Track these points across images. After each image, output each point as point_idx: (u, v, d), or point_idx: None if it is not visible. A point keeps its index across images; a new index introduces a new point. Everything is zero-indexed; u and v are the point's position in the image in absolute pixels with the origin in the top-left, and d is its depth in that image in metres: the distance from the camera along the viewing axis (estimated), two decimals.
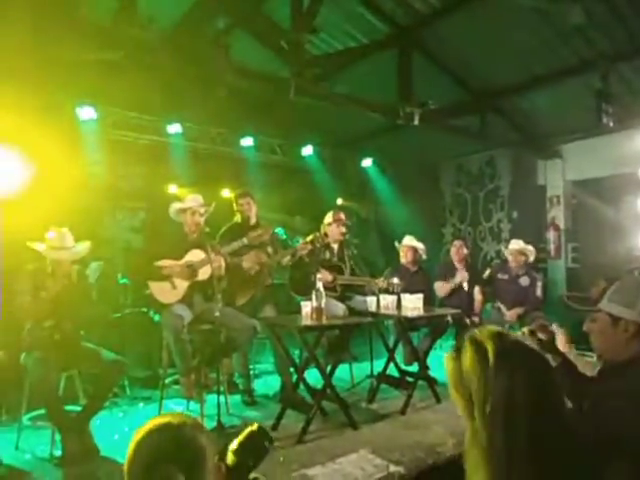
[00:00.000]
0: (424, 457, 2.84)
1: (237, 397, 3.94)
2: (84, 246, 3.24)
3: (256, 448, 1.27)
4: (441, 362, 4.19)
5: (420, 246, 4.77)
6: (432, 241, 5.12)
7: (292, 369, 3.86)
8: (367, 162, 6.86)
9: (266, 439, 1.29)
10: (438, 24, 4.62)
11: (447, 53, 5.07)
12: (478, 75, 5.34)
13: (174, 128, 5.38)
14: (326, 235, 4.30)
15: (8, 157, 4.14)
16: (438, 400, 3.78)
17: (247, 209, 4.12)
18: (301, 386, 3.59)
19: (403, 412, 3.57)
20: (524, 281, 4.75)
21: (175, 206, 3.64)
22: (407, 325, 3.95)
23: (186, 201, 3.66)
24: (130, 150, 5.29)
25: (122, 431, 3.27)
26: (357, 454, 2.87)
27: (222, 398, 3.39)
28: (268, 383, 4.37)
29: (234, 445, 1.26)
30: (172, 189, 5.65)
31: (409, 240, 4.81)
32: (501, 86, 5.42)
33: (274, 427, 3.28)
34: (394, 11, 4.65)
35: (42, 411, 3.12)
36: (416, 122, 4.76)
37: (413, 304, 3.83)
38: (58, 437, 2.89)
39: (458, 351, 1.16)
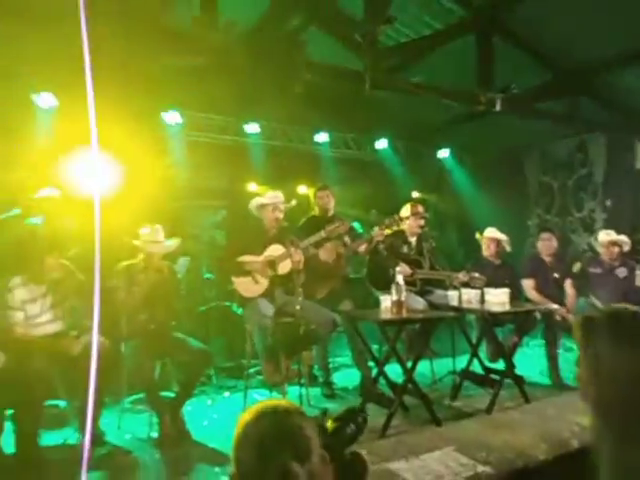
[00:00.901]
0: (513, 459, 2.70)
1: (317, 389, 4.00)
2: (174, 241, 3.45)
3: (354, 421, 1.28)
4: (529, 360, 3.97)
5: (504, 238, 4.53)
6: (516, 233, 4.83)
7: (371, 363, 3.85)
8: (444, 153, 6.65)
9: (363, 416, 1.30)
10: (519, 1, 4.35)
11: (530, 32, 4.76)
12: (567, 53, 4.96)
13: (252, 128, 5.55)
14: (399, 221, 4.18)
15: (104, 162, 4.49)
16: (527, 400, 3.58)
17: (326, 202, 4.15)
18: (381, 380, 3.56)
19: (489, 411, 3.43)
20: (621, 272, 4.36)
21: (257, 201, 3.75)
22: (492, 320, 3.78)
23: (267, 197, 3.75)
24: (212, 151, 5.53)
25: (211, 418, 3.44)
26: (441, 451, 2.79)
27: (303, 390, 3.46)
28: (347, 376, 4.39)
29: (334, 416, 1.28)
30: (251, 187, 5.84)
31: (491, 232, 4.58)
32: (595, 63, 4.98)
33: None
34: None
35: (140, 395, 3.37)
36: (498, 108, 4.53)
37: (498, 299, 3.66)
38: (155, 420, 3.10)
39: None
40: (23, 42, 3.82)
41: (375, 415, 3.28)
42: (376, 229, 3.93)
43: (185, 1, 3.81)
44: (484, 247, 4.56)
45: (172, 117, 5.06)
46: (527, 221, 7.16)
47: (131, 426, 3.27)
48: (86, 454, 2.60)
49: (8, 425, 2.77)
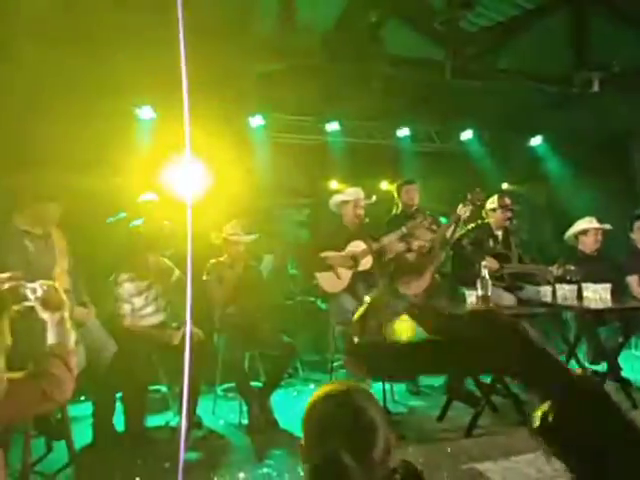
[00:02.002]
0: None
1: (402, 386, 3.97)
2: (252, 236, 3.62)
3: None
4: (635, 362, 3.64)
5: (607, 227, 4.13)
6: (618, 227, 4.39)
7: None
8: (536, 141, 6.25)
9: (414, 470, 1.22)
10: None
11: (635, 2, 4.32)
12: None
13: (332, 126, 5.63)
14: (482, 199, 4.01)
15: (196, 167, 4.82)
16: (634, 405, 3.28)
17: (411, 197, 4.08)
18: (468, 379, 3.45)
19: None
20: None
21: (337, 198, 3.81)
22: (592, 319, 3.49)
23: (347, 194, 3.80)
24: (294, 151, 5.69)
25: (297, 408, 3.55)
26: (534, 454, 2.65)
27: (387, 385, 3.45)
28: None
29: None
30: (333, 185, 5.92)
31: (589, 222, 4.19)
32: None
33: (440, 418, 3.23)
34: None
35: (232, 384, 3.58)
36: (595, 89, 4.19)
37: (598, 295, 3.38)
38: (244, 408, 3.28)
39: None
40: (127, 61, 4.21)
41: (461, 413, 3.21)
42: (460, 206, 3.82)
43: (265, 8, 3.97)
44: (584, 239, 4.18)
45: (256, 120, 5.28)
46: (633, 212, 6.48)
47: (224, 412, 3.49)
48: (184, 436, 2.84)
49: (119, 407, 3.08)
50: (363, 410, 1.04)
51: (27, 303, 1.23)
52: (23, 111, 4.18)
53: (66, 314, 1.31)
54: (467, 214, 3.83)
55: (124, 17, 3.76)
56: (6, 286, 1.19)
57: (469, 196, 3.85)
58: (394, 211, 4.21)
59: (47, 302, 1.28)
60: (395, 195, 4.20)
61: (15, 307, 1.04)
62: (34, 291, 1.25)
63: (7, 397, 1.05)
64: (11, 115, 4.05)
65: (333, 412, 1.04)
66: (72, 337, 1.29)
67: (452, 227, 3.89)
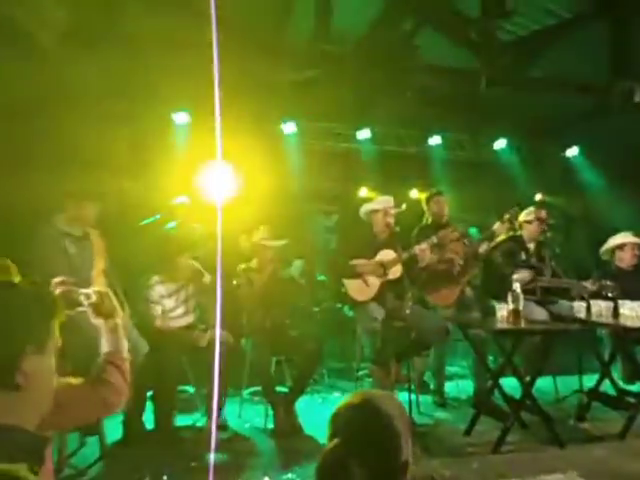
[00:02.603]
0: None
1: (427, 397, 3.92)
2: (281, 242, 3.66)
3: None
4: None
5: None
6: None
7: (488, 375, 3.68)
8: (572, 151, 6.11)
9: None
10: None
11: None
12: None
13: (363, 134, 5.63)
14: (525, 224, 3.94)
15: (226, 171, 4.90)
16: None
17: (441, 208, 4.05)
18: (496, 394, 3.39)
19: (622, 436, 3.08)
20: None
21: (367, 207, 3.81)
22: (628, 337, 3.38)
23: (378, 202, 3.79)
24: (324, 157, 5.72)
25: (321, 415, 3.55)
26: (563, 475, 2.58)
27: (413, 396, 3.42)
28: (459, 386, 4.24)
29: None
30: (362, 192, 5.92)
31: (626, 236, 4.08)
32: None
33: (467, 432, 3.18)
34: None
35: (258, 388, 3.61)
36: (637, 99, 4.07)
37: (635, 312, 3.27)
38: (270, 412, 3.30)
39: None
40: (163, 66, 4.33)
41: (489, 428, 3.15)
42: (497, 224, 3.76)
43: (303, 16, 4.02)
44: (621, 254, 4.06)
45: (288, 127, 5.34)
46: None
47: (250, 416, 3.53)
48: (214, 437, 2.88)
49: (149, 405, 3.15)
50: (385, 419, 1.04)
51: (80, 309, 1.26)
52: (63, 114, 4.34)
53: (119, 321, 1.32)
54: (502, 233, 3.77)
55: (160, 21, 3.87)
56: (58, 291, 1.24)
57: (507, 215, 3.81)
58: (424, 221, 4.17)
59: (100, 309, 1.29)
60: (424, 206, 4.15)
61: (67, 312, 1.08)
62: (88, 297, 1.27)
63: (70, 403, 1.09)
64: (51, 118, 4.21)
65: (352, 418, 1.06)
66: (126, 344, 1.31)
67: (486, 243, 3.83)
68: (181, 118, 4.95)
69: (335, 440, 1.06)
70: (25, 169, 3.62)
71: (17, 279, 1.26)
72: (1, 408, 0.87)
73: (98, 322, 1.29)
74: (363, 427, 1.06)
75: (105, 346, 1.28)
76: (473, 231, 4.98)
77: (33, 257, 2.72)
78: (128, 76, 4.35)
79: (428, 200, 4.14)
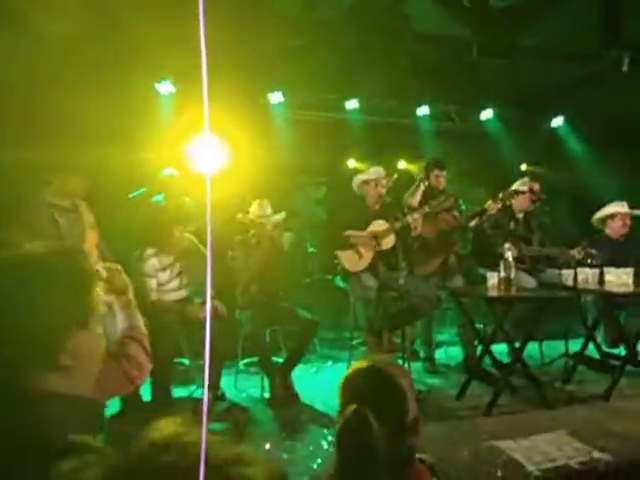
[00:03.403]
0: (636, 449, 2.54)
1: (418, 365, 4.02)
2: (280, 215, 3.64)
3: None
4: None
5: (637, 212, 4.08)
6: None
7: (476, 341, 3.78)
8: (557, 121, 6.15)
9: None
10: None
11: None
12: None
13: (352, 104, 5.56)
14: (514, 196, 3.98)
15: (212, 142, 4.80)
16: None
17: (440, 182, 4.02)
18: (486, 360, 3.49)
19: (607, 397, 3.22)
20: None
21: (359, 178, 3.80)
22: (612, 303, 3.50)
23: (369, 173, 3.78)
24: (312, 128, 5.64)
25: (316, 384, 3.62)
26: (553, 434, 2.70)
27: (405, 364, 3.50)
28: (449, 353, 4.35)
29: None
30: (350, 163, 5.89)
31: (617, 206, 4.13)
32: None
33: (458, 396, 3.28)
34: None
35: (254, 359, 3.65)
36: (625, 68, 4.09)
37: (620, 279, 3.38)
38: (267, 382, 3.35)
39: None
40: (146, 36, 4.17)
41: (480, 393, 3.26)
42: (490, 202, 3.79)
43: None
44: (612, 223, 4.11)
45: (275, 97, 5.23)
46: None
47: (246, 386, 3.57)
48: (205, 407, 2.92)
49: None
50: (392, 381, 1.12)
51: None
52: (45, 85, 4.17)
53: (131, 296, 1.31)
54: (494, 212, 3.80)
55: None
56: None
57: (501, 195, 3.84)
58: (418, 186, 4.15)
59: (112, 285, 1.26)
60: (423, 173, 4.12)
61: None
62: (98, 274, 1.24)
63: (97, 379, 1.06)
64: (32, 89, 4.04)
65: (364, 383, 1.13)
66: (141, 319, 1.30)
67: (476, 219, 3.87)
68: (165, 88, 4.80)
69: (353, 405, 1.09)
70: (9, 142, 3.49)
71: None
72: (55, 385, 0.83)
73: (110, 299, 1.27)
74: (376, 391, 1.13)
75: (121, 322, 1.27)
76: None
77: (22, 227, 2.66)
78: (112, 44, 4.18)
79: (429, 168, 4.10)
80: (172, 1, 3.60)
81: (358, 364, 1.19)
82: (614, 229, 4.07)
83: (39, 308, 0.83)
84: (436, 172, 4.04)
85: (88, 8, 3.74)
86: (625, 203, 4.10)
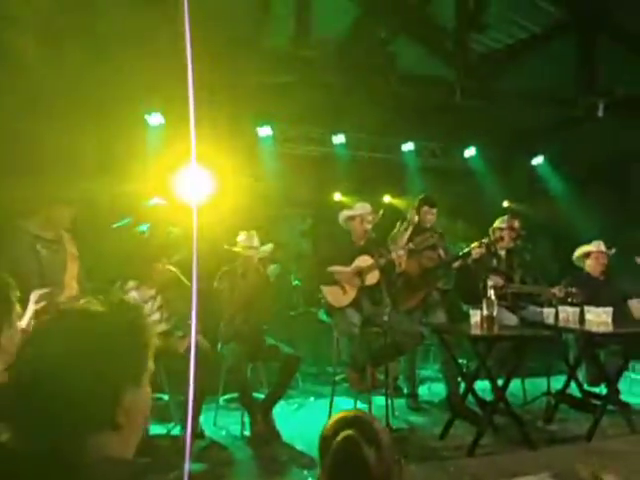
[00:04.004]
0: None
1: (401, 401, 3.98)
2: (268, 247, 3.65)
3: None
4: (634, 386, 3.69)
5: (611, 252, 4.19)
6: (621, 248, 4.45)
7: (459, 378, 3.77)
8: (537, 160, 6.34)
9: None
10: None
11: None
12: None
13: (338, 139, 5.67)
14: (499, 240, 4.07)
15: (203, 173, 4.83)
16: (633, 430, 3.31)
17: (429, 219, 4.02)
18: (469, 397, 3.48)
19: (589, 438, 3.21)
20: None
21: (345, 214, 3.83)
22: (593, 342, 3.53)
23: (355, 209, 3.82)
24: (299, 161, 5.72)
25: (298, 421, 3.55)
26: (535, 476, 2.67)
27: (388, 400, 3.46)
28: (432, 389, 4.33)
29: None
30: (336, 196, 5.96)
31: (593, 245, 4.25)
32: None
33: (442, 436, 3.24)
34: None
35: (234, 395, 3.57)
36: (600, 114, 4.26)
37: (600, 318, 3.42)
38: (247, 419, 3.27)
39: None
40: (137, 68, 4.24)
41: (463, 432, 3.23)
42: (474, 245, 3.83)
43: (281, 21, 4.02)
44: (595, 262, 4.20)
45: (264, 130, 5.31)
46: (636, 234, 6.55)
47: (226, 423, 3.48)
48: (189, 447, 2.83)
49: None
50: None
51: None
52: (33, 116, 4.18)
53: None
54: (478, 256, 3.85)
55: (134, 23, 3.78)
56: (42, 304, 1.18)
57: (486, 240, 3.89)
58: (403, 225, 4.19)
59: None
60: (414, 208, 4.11)
61: None
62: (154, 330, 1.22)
63: None
64: (20, 120, 4.05)
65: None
66: None
67: (460, 261, 3.91)
68: (155, 119, 4.85)
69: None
70: None
71: (17, 293, 1.21)
72: (103, 447, 0.80)
73: None
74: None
75: None
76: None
77: (3, 259, 2.62)
78: (99, 77, 4.23)
79: (420, 205, 4.08)
80: (161, 33, 3.68)
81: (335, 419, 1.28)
82: (591, 267, 4.17)
83: (99, 368, 0.81)
84: (425, 209, 4.05)
85: (78, 41, 3.79)
86: (601, 242, 4.21)
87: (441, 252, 3.96)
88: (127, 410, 0.82)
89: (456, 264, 3.94)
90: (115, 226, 4.18)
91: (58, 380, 0.77)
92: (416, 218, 4.03)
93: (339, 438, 1.21)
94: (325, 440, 1.25)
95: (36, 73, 3.85)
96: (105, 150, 4.43)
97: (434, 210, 4.08)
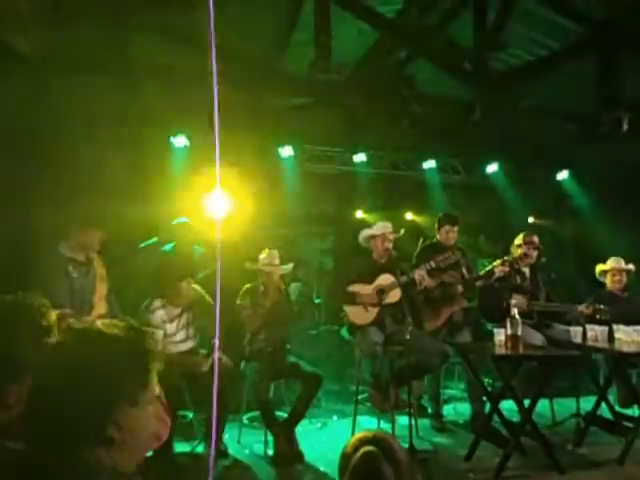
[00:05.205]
0: None
1: (425, 421, 3.92)
2: (289, 266, 3.70)
3: None
4: None
5: (631, 268, 4.12)
6: None
7: (485, 398, 3.70)
8: (562, 175, 6.26)
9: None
10: None
11: None
12: None
13: (359, 157, 5.72)
14: (523, 257, 4.02)
15: (223, 194, 4.92)
16: None
17: (450, 237, 4.02)
18: (495, 417, 3.41)
19: (621, 462, 3.10)
20: None
21: (366, 232, 3.86)
22: (623, 362, 3.43)
23: (376, 228, 3.84)
24: (321, 180, 5.80)
25: (321, 441, 3.54)
26: None
27: (412, 420, 3.42)
28: (457, 409, 4.26)
29: None
30: (358, 214, 5.99)
31: (618, 261, 4.18)
32: None
33: (468, 457, 3.19)
34: (587, 6, 4.20)
35: (257, 413, 3.59)
36: (625, 128, 4.20)
37: (630, 337, 3.33)
38: (270, 438, 3.28)
39: None
40: (163, 92, 4.40)
41: (490, 454, 3.17)
42: (497, 263, 3.81)
43: (301, 47, 4.12)
44: (611, 279, 4.17)
45: (286, 151, 5.42)
46: None
47: (249, 442, 3.50)
48: (212, 465, 2.85)
49: None
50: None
51: None
52: (63, 141, 4.37)
53: None
54: (501, 275, 3.82)
55: (160, 47, 3.95)
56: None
57: (508, 257, 3.88)
58: (424, 241, 4.18)
59: None
60: (436, 226, 4.13)
61: None
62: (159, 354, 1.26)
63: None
64: (51, 145, 4.24)
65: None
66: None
67: (483, 280, 3.88)
68: (180, 141, 5.00)
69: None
70: (26, 197, 3.63)
71: (54, 316, 1.27)
72: (99, 460, 0.86)
73: None
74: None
75: None
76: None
77: (35, 282, 2.73)
78: (127, 103, 4.41)
79: (441, 223, 4.09)
80: (188, 61, 3.82)
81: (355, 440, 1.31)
82: (610, 284, 4.13)
83: (93, 386, 0.86)
84: (447, 227, 4.04)
85: (107, 65, 3.96)
86: (620, 259, 4.14)
87: (464, 271, 3.93)
88: (122, 427, 0.87)
89: (479, 283, 3.90)
90: (142, 246, 4.30)
91: (55, 395, 0.85)
92: (437, 236, 4.03)
93: (358, 454, 1.24)
94: (345, 457, 1.28)
95: (66, 99, 4.04)
96: (132, 172, 4.58)
97: (455, 228, 4.06)
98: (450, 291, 3.89)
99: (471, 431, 3.60)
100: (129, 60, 3.99)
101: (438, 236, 4.10)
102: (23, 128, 4.10)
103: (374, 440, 1.28)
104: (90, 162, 4.37)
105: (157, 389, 0.98)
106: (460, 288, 3.91)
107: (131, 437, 0.90)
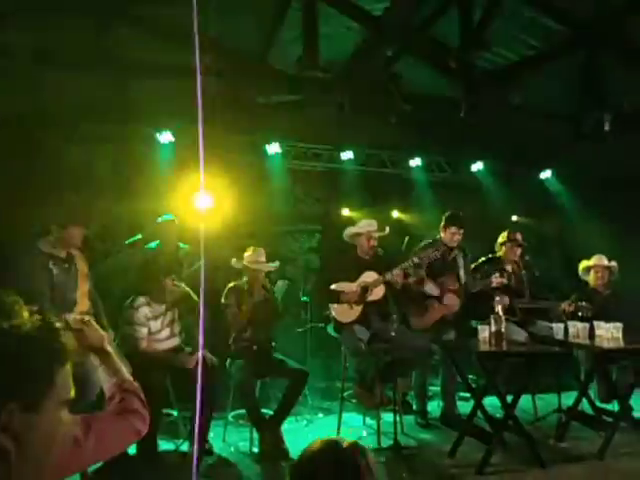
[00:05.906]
0: None
1: (410, 418, 3.95)
2: (274, 264, 3.69)
3: None
4: None
5: (613, 265, 4.18)
6: (633, 263, 4.41)
7: (469, 395, 3.74)
8: (546, 174, 6.33)
9: None
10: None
11: None
12: None
13: (346, 155, 5.73)
14: (507, 254, 4.04)
15: (212, 190, 4.90)
16: None
17: (452, 239, 3.96)
18: (478, 414, 3.45)
19: (601, 456, 3.16)
20: None
21: (350, 230, 3.87)
22: (604, 358, 3.49)
23: (361, 226, 3.85)
24: (308, 178, 5.80)
25: (307, 438, 3.54)
26: None
27: (397, 417, 3.44)
28: (442, 406, 4.28)
29: None
30: (345, 212, 6.00)
31: (599, 259, 4.23)
32: None
33: (452, 453, 3.21)
34: (572, 6, 4.24)
35: (243, 411, 3.58)
36: (607, 128, 4.26)
37: (610, 334, 3.39)
38: (256, 436, 3.27)
39: None
40: (148, 87, 4.36)
41: (473, 450, 3.20)
42: (496, 275, 3.83)
43: (288, 45, 4.11)
44: (594, 276, 4.21)
45: (272, 148, 5.39)
46: None
47: (234, 440, 3.49)
48: (196, 463, 2.84)
49: None
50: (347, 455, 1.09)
51: None
52: (45, 136, 4.30)
53: (109, 347, 1.31)
54: (499, 286, 3.84)
55: (146, 44, 3.91)
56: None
57: (504, 272, 3.90)
58: (435, 238, 4.11)
59: (84, 340, 1.26)
60: (441, 225, 4.06)
61: None
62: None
63: (108, 436, 1.05)
64: (33, 141, 4.17)
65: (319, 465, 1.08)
66: (124, 368, 1.30)
67: (479, 288, 3.91)
68: (166, 138, 4.95)
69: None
70: (10, 195, 3.57)
71: (25, 313, 1.25)
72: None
73: (83, 358, 1.26)
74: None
75: (104, 377, 1.27)
76: None
77: (16, 278, 2.68)
78: (111, 97, 4.35)
79: (446, 223, 4.01)
80: (173, 55, 3.78)
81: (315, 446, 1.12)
82: (592, 281, 4.17)
83: None
84: (453, 229, 3.96)
85: (92, 63, 3.90)
86: (602, 256, 4.19)
87: (461, 273, 3.93)
88: (17, 435, 0.79)
89: (477, 289, 3.92)
90: (126, 243, 4.26)
91: None
92: (438, 236, 3.99)
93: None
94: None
95: (49, 93, 3.98)
96: (116, 168, 4.53)
97: (462, 231, 3.97)
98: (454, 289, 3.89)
99: (441, 424, 3.64)
100: (114, 56, 3.94)
101: (442, 234, 4.02)
102: (6, 125, 4.03)
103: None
104: (74, 158, 4.31)
105: (72, 392, 0.89)
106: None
107: (32, 445, 0.80)
